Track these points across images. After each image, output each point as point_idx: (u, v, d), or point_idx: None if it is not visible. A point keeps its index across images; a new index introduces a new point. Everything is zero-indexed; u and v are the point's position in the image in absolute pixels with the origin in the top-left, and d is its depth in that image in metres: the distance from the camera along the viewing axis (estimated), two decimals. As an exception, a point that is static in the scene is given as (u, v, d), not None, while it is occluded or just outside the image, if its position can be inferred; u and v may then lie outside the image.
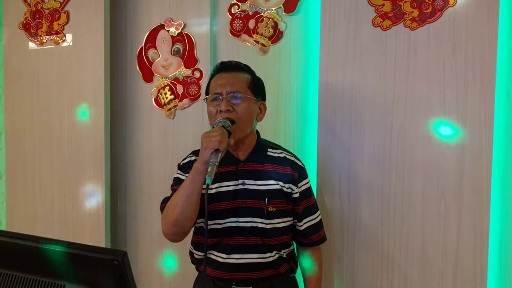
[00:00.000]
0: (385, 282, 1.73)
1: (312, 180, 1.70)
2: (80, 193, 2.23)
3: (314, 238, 1.58)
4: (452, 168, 1.62)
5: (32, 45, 2.35)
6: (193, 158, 1.52)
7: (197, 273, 1.60)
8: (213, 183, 1.47)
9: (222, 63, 1.54)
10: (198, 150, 1.38)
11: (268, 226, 1.46)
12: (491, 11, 1.56)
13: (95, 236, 2.18)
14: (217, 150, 1.31)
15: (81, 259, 0.70)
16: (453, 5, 1.60)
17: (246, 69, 1.54)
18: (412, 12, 1.66)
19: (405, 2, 1.67)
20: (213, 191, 1.47)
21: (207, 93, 1.53)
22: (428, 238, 1.66)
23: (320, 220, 1.60)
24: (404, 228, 1.70)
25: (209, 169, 1.29)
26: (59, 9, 2.26)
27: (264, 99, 1.56)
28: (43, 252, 0.72)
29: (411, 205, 1.69)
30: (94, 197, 2.19)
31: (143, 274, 2.23)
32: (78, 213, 2.23)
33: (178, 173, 1.53)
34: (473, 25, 1.58)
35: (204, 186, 1.28)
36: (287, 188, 1.50)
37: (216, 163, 1.30)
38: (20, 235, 0.82)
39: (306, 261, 1.60)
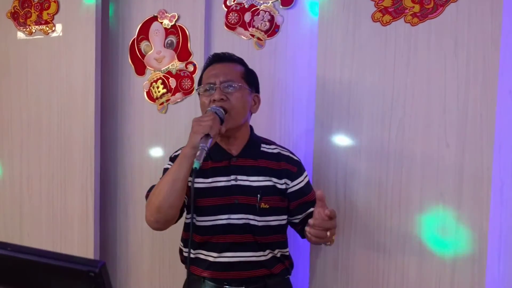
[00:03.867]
0: (381, 283, 1.70)
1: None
2: (69, 188, 2.17)
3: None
4: (452, 167, 1.58)
5: (20, 34, 2.28)
6: None
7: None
8: (205, 177, 1.42)
9: (215, 54, 1.51)
10: None
11: (260, 224, 1.42)
12: (495, 7, 1.51)
13: (84, 232, 2.12)
14: (207, 135, 1.26)
15: (54, 270, 0.62)
16: (456, 1, 1.56)
17: (239, 61, 1.51)
18: (413, 7, 1.61)
19: (406, -4, 1.62)
20: (204, 185, 1.42)
21: (199, 85, 1.49)
22: (425, 239, 1.63)
23: None
24: (401, 228, 1.66)
25: (198, 153, 1.23)
26: (49, -2, 2.18)
27: (258, 91, 1.53)
28: (11, 260, 0.64)
29: (409, 204, 1.64)
30: (83, 192, 2.13)
31: (133, 272, 2.19)
32: (66, 208, 2.17)
33: (168, 164, 1.49)
34: (476, 22, 1.54)
35: (194, 168, 1.22)
36: (281, 184, 1.46)
37: (206, 148, 1.24)
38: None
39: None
